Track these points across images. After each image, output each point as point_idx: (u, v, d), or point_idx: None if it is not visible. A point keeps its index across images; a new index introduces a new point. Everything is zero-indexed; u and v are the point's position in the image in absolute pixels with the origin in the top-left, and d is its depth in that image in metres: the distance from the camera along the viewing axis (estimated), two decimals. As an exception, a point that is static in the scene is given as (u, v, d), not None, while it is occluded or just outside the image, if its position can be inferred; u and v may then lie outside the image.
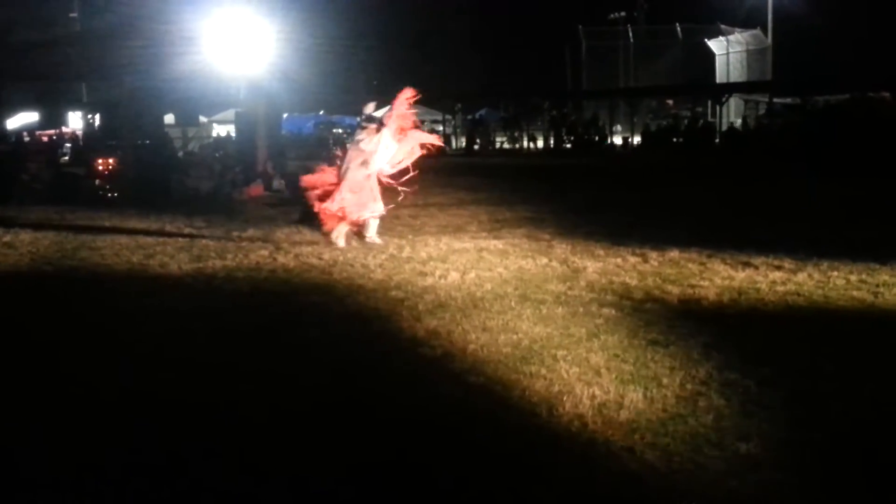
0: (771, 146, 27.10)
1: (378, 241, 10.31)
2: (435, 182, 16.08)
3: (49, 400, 4.87)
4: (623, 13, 49.54)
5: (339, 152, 10.78)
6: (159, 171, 18.03)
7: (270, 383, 5.02)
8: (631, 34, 46.23)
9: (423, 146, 10.75)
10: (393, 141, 10.47)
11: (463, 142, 39.28)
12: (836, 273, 7.92)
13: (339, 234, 10.38)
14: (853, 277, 7.72)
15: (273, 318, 6.71)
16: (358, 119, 11.04)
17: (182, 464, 3.94)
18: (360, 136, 10.56)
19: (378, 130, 10.43)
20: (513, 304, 6.93)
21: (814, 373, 5.05)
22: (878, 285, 7.41)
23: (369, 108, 10.72)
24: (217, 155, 23.91)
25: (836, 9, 39.55)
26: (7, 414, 4.69)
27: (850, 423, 4.29)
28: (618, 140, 37.24)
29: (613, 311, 6.62)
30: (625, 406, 4.51)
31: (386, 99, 11.71)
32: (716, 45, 44.05)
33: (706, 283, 7.61)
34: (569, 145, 36.38)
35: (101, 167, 18.22)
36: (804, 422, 4.32)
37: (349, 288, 7.79)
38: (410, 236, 10.87)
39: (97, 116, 28.49)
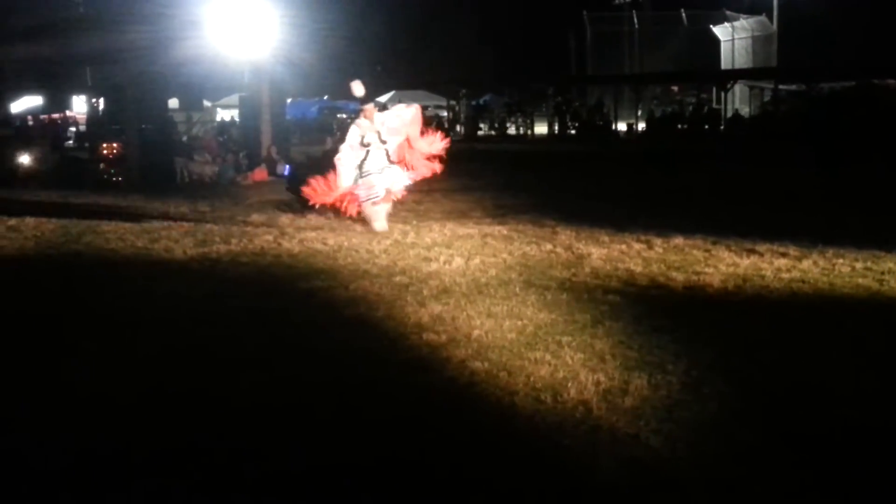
0: (776, 133, 27.05)
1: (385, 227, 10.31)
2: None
3: (51, 387, 4.86)
4: (628, -2, 49.35)
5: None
6: (163, 155, 18.04)
7: (274, 371, 5.02)
8: (636, 20, 46.10)
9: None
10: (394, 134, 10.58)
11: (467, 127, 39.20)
12: (841, 260, 7.91)
13: (378, 217, 10.37)
14: (858, 265, 7.71)
15: (278, 304, 6.71)
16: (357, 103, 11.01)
17: (184, 456, 3.91)
18: (360, 119, 10.63)
19: (379, 110, 10.60)
20: (517, 290, 6.93)
21: (819, 360, 5.06)
22: (883, 273, 7.40)
23: (359, 90, 10.68)
24: (221, 139, 23.92)
25: (842, -4, 39.45)
26: (8, 402, 4.68)
27: (854, 412, 4.28)
28: (622, 126, 37.12)
29: (618, 298, 6.62)
30: (629, 392, 4.52)
31: (389, 84, 11.75)
32: (721, 31, 43.94)
33: (711, 270, 7.60)
34: (573, 131, 36.29)
35: (105, 151, 18.24)
36: (808, 409, 4.32)
37: (354, 273, 7.79)
38: (415, 222, 10.86)
39: (101, 100, 28.51)
